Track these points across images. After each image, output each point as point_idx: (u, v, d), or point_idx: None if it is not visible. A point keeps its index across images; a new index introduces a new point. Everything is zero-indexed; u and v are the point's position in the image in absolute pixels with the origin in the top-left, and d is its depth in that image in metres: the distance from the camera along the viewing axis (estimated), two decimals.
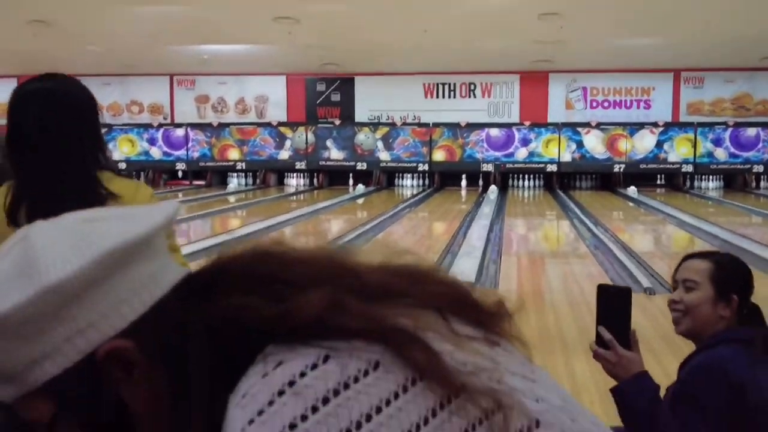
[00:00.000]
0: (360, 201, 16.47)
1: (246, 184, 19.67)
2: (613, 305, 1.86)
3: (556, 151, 18.55)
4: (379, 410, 0.70)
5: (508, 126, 18.82)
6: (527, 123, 18.79)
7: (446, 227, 11.73)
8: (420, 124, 19.05)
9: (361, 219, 12.66)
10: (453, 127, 18.78)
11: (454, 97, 19.50)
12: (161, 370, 0.76)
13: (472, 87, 19.43)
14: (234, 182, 19.68)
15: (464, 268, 7.34)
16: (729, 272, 1.99)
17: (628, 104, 19.13)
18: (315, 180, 19.49)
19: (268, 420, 0.68)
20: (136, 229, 0.77)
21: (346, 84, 19.69)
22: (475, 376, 0.75)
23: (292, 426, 0.68)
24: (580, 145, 18.52)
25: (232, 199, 16.85)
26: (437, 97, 19.51)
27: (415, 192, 17.94)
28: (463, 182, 18.95)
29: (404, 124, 19.09)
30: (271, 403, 0.69)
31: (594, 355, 1.87)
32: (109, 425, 0.77)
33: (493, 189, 17.46)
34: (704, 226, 10.83)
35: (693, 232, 10.12)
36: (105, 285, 0.75)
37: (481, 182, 18.71)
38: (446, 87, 19.49)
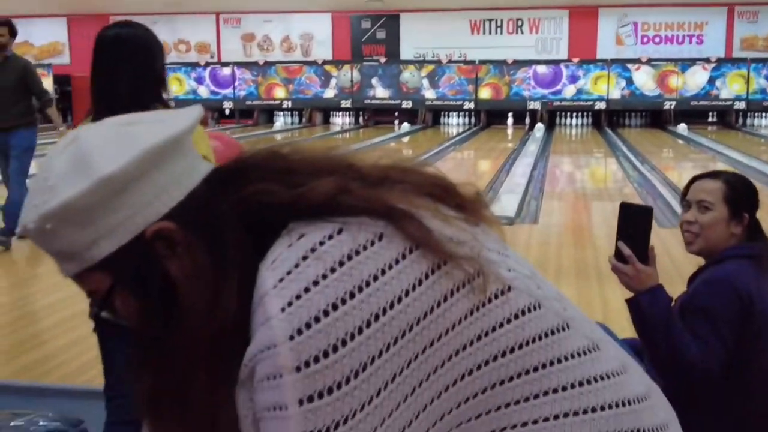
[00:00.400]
0: (405, 139, 16.48)
1: (292, 123, 19.78)
2: (635, 222, 1.90)
3: (605, 88, 18.25)
4: (383, 272, 0.85)
5: (555, 63, 18.53)
6: (576, 59, 18.48)
7: (490, 165, 11.72)
8: (466, 62, 18.85)
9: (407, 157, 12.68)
10: (499, 65, 18.55)
11: (501, 33, 19.23)
12: (199, 247, 0.89)
13: (520, 23, 19.12)
14: (280, 121, 19.80)
15: (505, 204, 7.38)
16: (740, 192, 2.04)
17: (680, 39, 18.67)
18: (360, 118, 19.52)
19: (295, 278, 0.83)
20: (169, 131, 0.90)
21: (391, 21, 19.53)
22: (460, 246, 0.89)
23: (315, 282, 0.83)
24: (629, 81, 18.18)
25: (278, 137, 16.99)
26: (484, 33, 19.26)
27: (460, 130, 17.87)
28: (510, 120, 18.80)
29: (450, 61, 18.92)
30: (297, 265, 0.84)
31: (612, 268, 1.92)
32: (157, 296, 0.90)
33: (539, 127, 17.29)
34: (756, 164, 10.65)
35: (744, 171, 9.91)
36: (147, 177, 0.88)
37: (527, 120, 18.53)
38: (493, 23, 19.21)
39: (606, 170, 12.00)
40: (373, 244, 0.86)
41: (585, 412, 0.94)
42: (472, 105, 18.76)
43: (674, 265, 4.38)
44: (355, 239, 0.86)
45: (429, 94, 18.89)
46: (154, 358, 0.92)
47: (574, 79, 18.37)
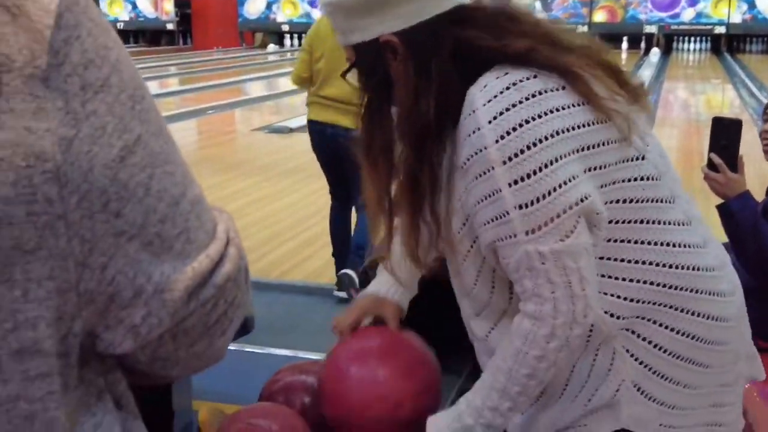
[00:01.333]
0: None
1: None
2: (725, 134, 2.11)
3: (725, 11, 17.58)
4: (564, 108, 1.17)
5: None
6: None
7: None
8: None
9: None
10: None
11: None
12: (411, 62, 1.25)
13: None
14: None
15: None
16: None
17: None
18: None
19: (500, 100, 1.17)
20: None
21: None
22: (616, 112, 1.21)
23: (514, 105, 1.16)
24: (752, 5, 17.45)
25: None
26: None
27: None
28: (624, 45, 18.38)
29: None
30: (502, 92, 1.17)
31: (705, 177, 2.16)
32: (377, 82, 1.29)
33: (655, 52, 16.91)
34: None
35: None
36: (394, 3, 1.22)
37: (643, 45, 18.11)
38: None
39: (723, 97, 11.77)
40: (557, 90, 1.18)
41: (671, 267, 1.23)
42: (585, 29, 18.33)
43: None
44: (546, 83, 1.18)
45: (541, 17, 18.55)
46: (374, 123, 1.32)
47: (693, 1, 17.75)
